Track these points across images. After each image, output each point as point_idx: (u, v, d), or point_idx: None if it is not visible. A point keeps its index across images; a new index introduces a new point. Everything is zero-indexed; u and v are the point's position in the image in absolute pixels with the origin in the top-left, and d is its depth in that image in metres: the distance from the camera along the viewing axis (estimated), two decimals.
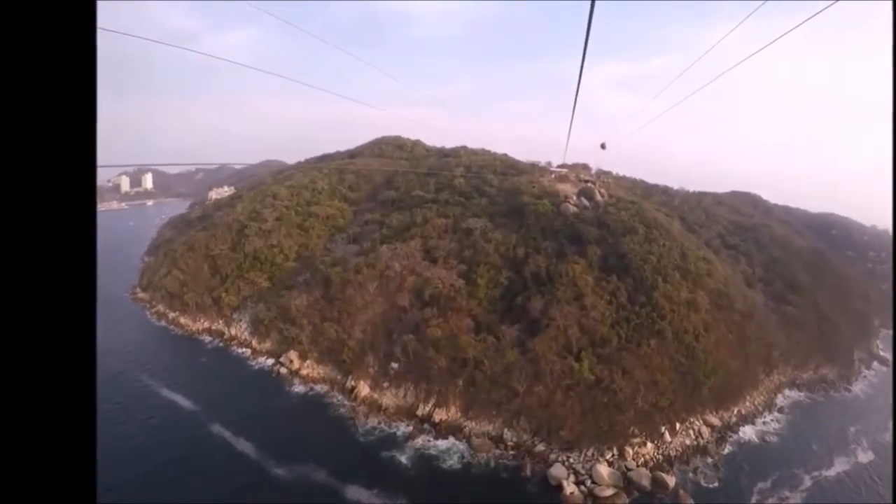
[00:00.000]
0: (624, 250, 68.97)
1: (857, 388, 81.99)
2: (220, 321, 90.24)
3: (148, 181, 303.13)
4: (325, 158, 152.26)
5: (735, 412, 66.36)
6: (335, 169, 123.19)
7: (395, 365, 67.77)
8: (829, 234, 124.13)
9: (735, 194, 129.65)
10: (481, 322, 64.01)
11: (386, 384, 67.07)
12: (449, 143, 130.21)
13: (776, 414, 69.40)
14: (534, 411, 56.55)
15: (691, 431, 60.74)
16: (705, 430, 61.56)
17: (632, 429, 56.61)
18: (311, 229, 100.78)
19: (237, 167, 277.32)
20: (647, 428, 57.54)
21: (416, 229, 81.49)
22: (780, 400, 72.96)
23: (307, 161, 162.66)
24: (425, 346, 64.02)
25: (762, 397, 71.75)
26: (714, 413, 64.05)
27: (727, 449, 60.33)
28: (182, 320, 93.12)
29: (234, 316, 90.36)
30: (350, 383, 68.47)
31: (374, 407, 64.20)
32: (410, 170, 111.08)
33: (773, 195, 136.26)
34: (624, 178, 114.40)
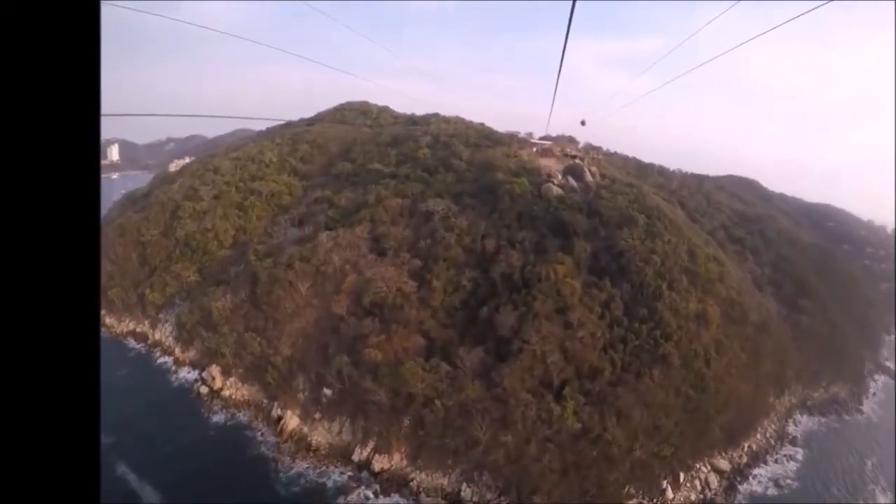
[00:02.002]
0: (620, 247, 51.17)
1: (867, 406, 69.01)
2: (146, 322, 71.66)
3: (114, 153, 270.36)
4: (289, 126, 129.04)
5: (745, 448, 51.19)
6: (288, 138, 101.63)
7: (328, 391, 50.30)
8: (826, 226, 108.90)
9: (733, 179, 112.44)
10: (435, 340, 46.15)
11: (317, 415, 50.04)
12: (426, 111, 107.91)
13: (789, 447, 54.73)
14: (500, 467, 39.78)
15: (697, 482, 45.24)
16: (713, 479, 46.18)
17: (627, 488, 40.57)
18: (251, 209, 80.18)
19: (209, 137, 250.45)
20: (646, 483, 41.68)
21: (366, 211, 62.25)
22: (791, 428, 58.61)
23: (269, 130, 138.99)
24: (362, 372, 46.25)
25: (774, 426, 57.14)
26: (723, 454, 48.66)
27: (738, 501, 45.39)
28: (108, 320, 73.96)
29: (161, 316, 71.71)
30: (276, 411, 51.42)
31: (303, 444, 47.63)
32: (372, 138, 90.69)
33: (767, 182, 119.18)
34: (615, 155, 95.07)
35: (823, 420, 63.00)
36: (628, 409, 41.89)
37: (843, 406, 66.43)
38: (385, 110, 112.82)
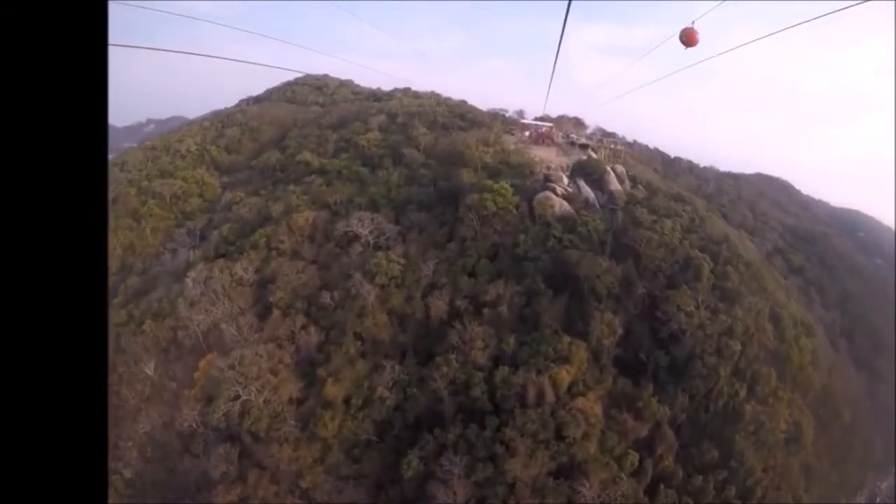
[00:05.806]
0: (676, 324, 26.65)
1: None
2: None
3: None
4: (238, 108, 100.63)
5: None
6: (218, 121, 75.20)
7: None
8: (856, 236, 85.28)
9: (763, 179, 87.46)
10: None
11: None
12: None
13: None
14: None
15: None
16: None
17: None
18: (146, 218, 54.47)
19: (191, 118, 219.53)
20: None
21: (263, 231, 37.41)
22: None
23: (225, 110, 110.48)
24: None
25: None
26: None
27: None
28: None
29: None
30: None
31: None
32: (316, 119, 65.08)
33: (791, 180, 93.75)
34: (636, 146, 65.75)
35: None
36: None
37: None
38: (346, 85, 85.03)
